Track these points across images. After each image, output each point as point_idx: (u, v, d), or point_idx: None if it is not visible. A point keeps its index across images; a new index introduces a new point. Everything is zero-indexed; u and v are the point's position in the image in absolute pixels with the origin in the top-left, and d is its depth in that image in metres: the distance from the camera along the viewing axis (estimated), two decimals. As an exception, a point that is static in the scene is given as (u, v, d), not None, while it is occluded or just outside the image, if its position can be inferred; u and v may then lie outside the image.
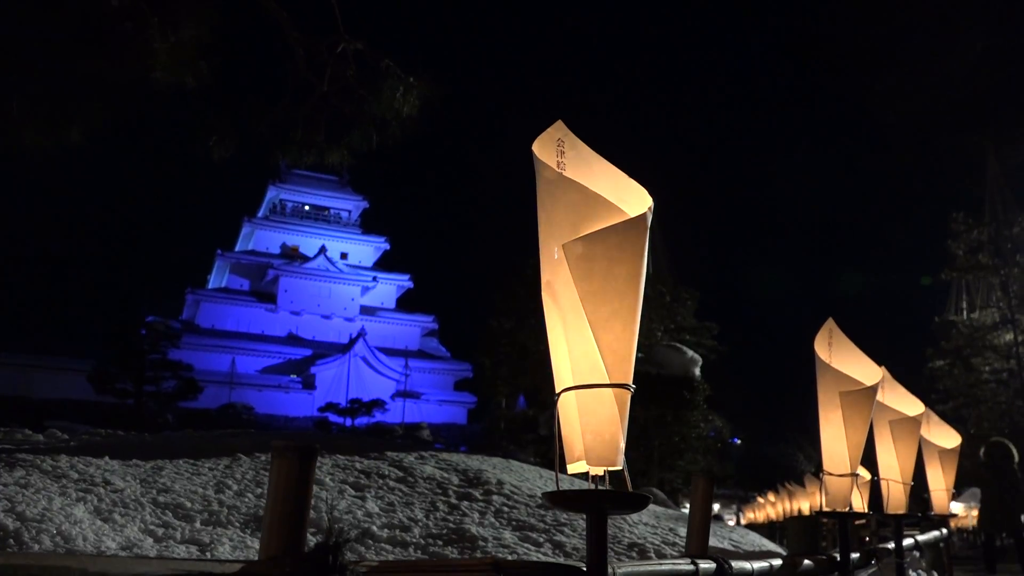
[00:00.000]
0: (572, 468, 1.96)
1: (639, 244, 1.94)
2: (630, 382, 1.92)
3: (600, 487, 1.90)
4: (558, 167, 2.02)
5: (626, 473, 1.93)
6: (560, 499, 1.90)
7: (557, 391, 1.94)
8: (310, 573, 1.24)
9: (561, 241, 1.95)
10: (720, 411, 26.33)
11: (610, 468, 1.93)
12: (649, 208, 1.99)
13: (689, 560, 2.44)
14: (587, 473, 1.95)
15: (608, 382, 1.89)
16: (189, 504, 4.78)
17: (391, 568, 1.37)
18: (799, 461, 42.08)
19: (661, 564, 2.28)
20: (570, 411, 1.94)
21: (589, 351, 1.91)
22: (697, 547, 2.62)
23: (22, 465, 5.04)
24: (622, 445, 1.92)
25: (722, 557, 2.64)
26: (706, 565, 2.47)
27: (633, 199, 2.02)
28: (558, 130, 2.07)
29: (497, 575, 1.56)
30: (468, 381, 65.52)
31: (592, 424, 1.91)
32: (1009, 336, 26.74)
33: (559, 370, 1.97)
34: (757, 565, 2.93)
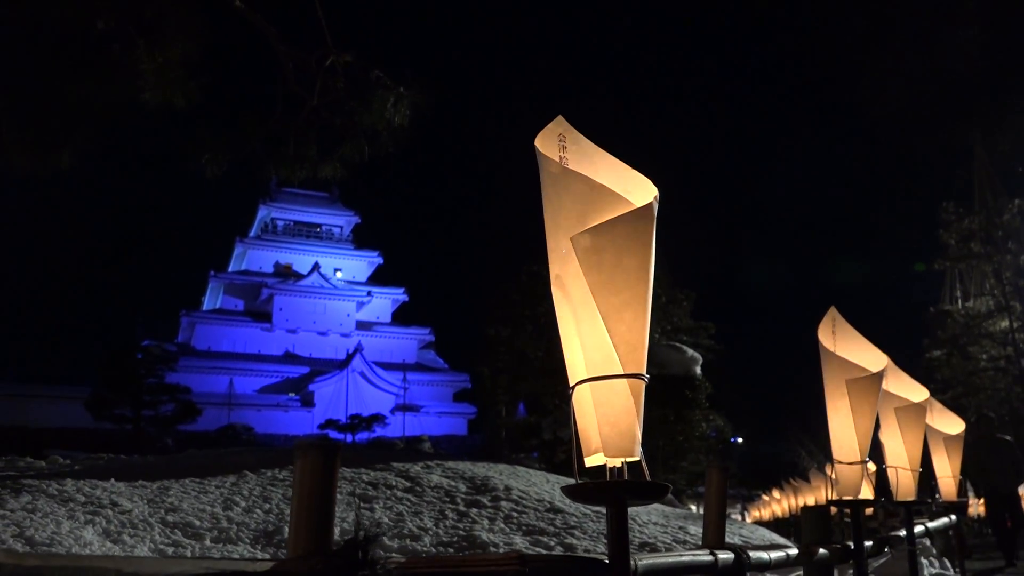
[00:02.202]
0: (590, 461, 1.95)
1: (647, 234, 1.95)
2: (643, 372, 1.91)
3: (619, 479, 1.90)
4: (561, 162, 2.02)
5: (644, 463, 1.93)
6: (580, 492, 1.89)
7: (571, 384, 1.94)
8: (340, 569, 1.24)
9: (569, 234, 1.94)
10: (720, 410, 26.31)
11: (628, 459, 1.92)
12: (655, 198, 1.99)
13: (708, 551, 2.43)
14: (603, 467, 1.95)
15: (622, 372, 1.89)
16: (198, 522, 4.76)
17: (420, 563, 1.36)
18: (801, 457, 42.03)
19: (682, 555, 2.28)
20: (585, 404, 1.94)
21: (602, 342, 1.91)
22: (714, 538, 2.62)
23: (28, 490, 5.01)
24: (639, 435, 1.91)
25: (739, 548, 2.64)
26: (725, 555, 2.47)
27: (638, 190, 2.02)
28: (559, 125, 2.07)
29: (523, 568, 1.55)
30: (467, 392, 65.45)
31: (608, 415, 1.90)
32: (1005, 323, 26.81)
33: (572, 363, 1.96)
34: (775, 555, 2.93)
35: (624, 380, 1.90)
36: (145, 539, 4.31)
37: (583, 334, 1.94)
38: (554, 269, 2.00)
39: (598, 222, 1.92)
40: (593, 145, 2.08)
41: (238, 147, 7.54)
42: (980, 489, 10.57)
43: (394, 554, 4.57)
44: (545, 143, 2.03)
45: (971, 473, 9.67)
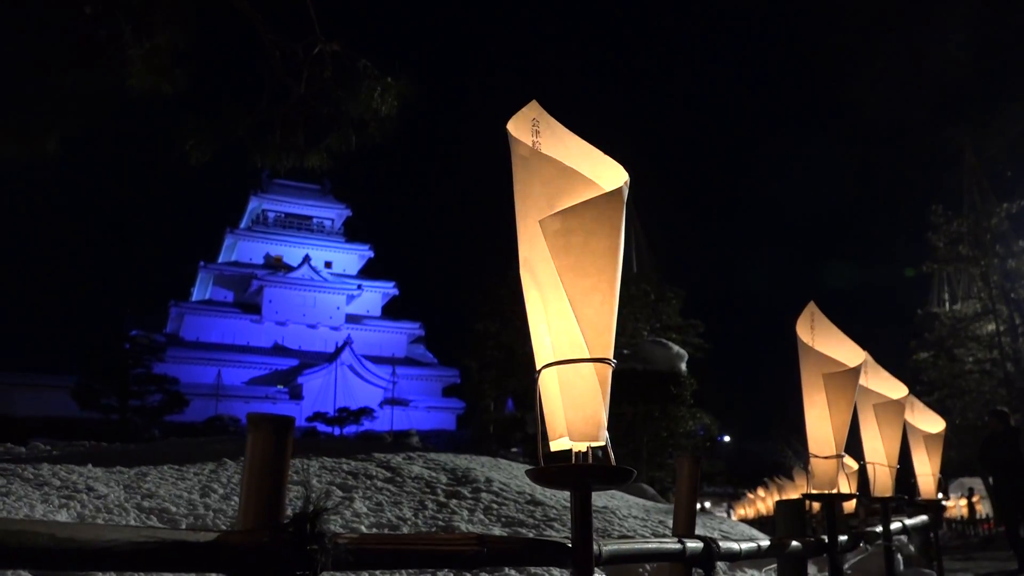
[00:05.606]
0: (555, 445, 1.94)
1: (616, 218, 1.94)
2: (611, 356, 1.90)
3: (584, 463, 1.89)
4: (533, 146, 2.01)
5: (609, 448, 1.92)
6: (544, 476, 1.88)
7: (538, 367, 1.93)
8: (288, 543, 1.22)
9: (538, 217, 1.93)
10: (707, 409, 26.37)
11: (593, 444, 1.91)
12: (625, 183, 1.99)
13: (676, 539, 2.43)
14: (570, 451, 1.94)
15: (588, 356, 1.88)
16: (174, 508, 4.74)
17: (374, 540, 1.36)
18: (787, 457, 42.18)
19: (648, 542, 2.27)
20: (551, 388, 1.93)
21: (568, 326, 1.90)
22: (684, 527, 2.62)
23: (3, 474, 4.98)
24: (604, 420, 1.90)
25: (709, 538, 2.64)
26: (693, 544, 2.47)
27: (608, 174, 2.02)
28: (532, 110, 2.06)
29: (481, 549, 1.55)
30: (456, 387, 65.36)
31: (574, 400, 1.90)
32: (991, 326, 26.90)
33: (539, 347, 1.96)
34: (745, 545, 2.93)
35: (591, 364, 1.89)
36: (120, 524, 4.28)
37: (550, 317, 1.94)
38: (523, 252, 1.99)
39: (567, 205, 1.92)
40: (565, 129, 2.07)
41: (223, 135, 7.50)
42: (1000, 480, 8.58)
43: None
44: (517, 127, 2.02)
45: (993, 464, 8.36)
